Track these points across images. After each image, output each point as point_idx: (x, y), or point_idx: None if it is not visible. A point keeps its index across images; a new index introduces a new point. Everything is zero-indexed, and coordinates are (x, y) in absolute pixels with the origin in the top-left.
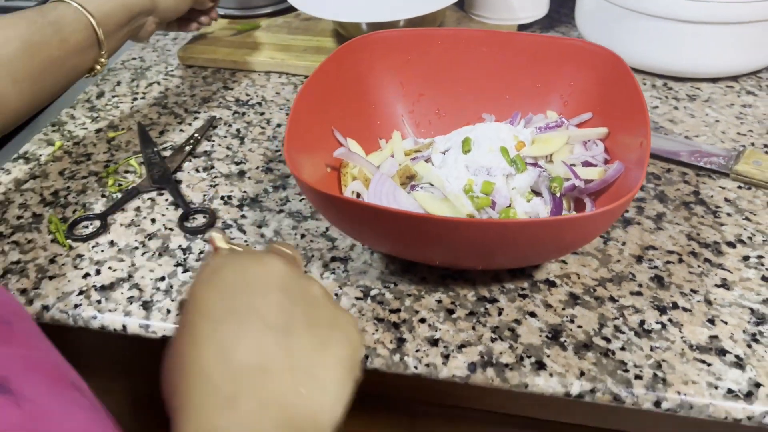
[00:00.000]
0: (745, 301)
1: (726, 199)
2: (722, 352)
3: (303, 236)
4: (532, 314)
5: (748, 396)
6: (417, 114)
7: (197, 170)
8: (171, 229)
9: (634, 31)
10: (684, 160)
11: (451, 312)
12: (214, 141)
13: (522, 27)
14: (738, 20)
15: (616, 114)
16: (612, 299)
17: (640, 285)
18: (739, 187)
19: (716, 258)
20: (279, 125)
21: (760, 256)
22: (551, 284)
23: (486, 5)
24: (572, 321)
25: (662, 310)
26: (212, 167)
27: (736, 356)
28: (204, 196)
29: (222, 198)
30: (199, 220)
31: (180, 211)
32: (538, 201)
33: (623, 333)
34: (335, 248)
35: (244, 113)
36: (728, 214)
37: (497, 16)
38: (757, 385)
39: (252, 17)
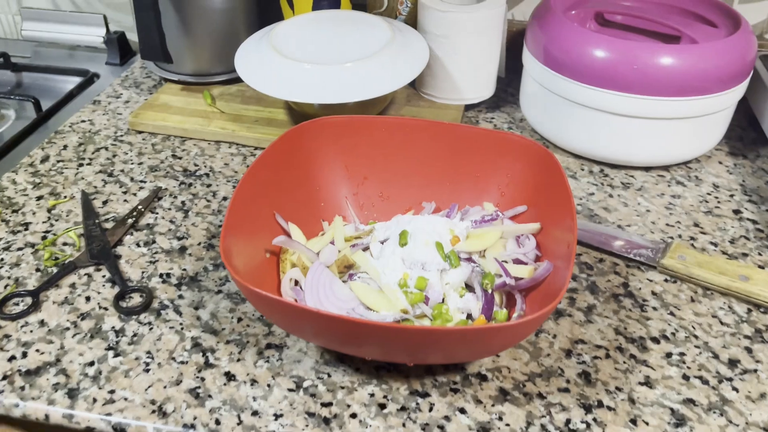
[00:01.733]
0: (666, 400)
1: (653, 293)
2: None
3: (239, 320)
4: (462, 410)
5: None
6: (361, 197)
7: (138, 245)
8: (105, 309)
9: (570, 118)
10: (615, 251)
11: (382, 407)
12: (158, 213)
13: (469, 107)
14: (668, 116)
15: (548, 208)
16: (540, 395)
17: (568, 381)
18: (666, 281)
19: (641, 354)
20: (225, 198)
21: (681, 353)
22: (482, 378)
23: (435, 85)
24: (500, 419)
25: (588, 409)
26: (153, 242)
27: None
28: (143, 273)
29: (161, 276)
30: (136, 299)
31: (117, 289)
32: (470, 296)
33: None
34: (271, 334)
35: (190, 184)
36: (654, 308)
37: (445, 96)
38: None
39: (205, 84)
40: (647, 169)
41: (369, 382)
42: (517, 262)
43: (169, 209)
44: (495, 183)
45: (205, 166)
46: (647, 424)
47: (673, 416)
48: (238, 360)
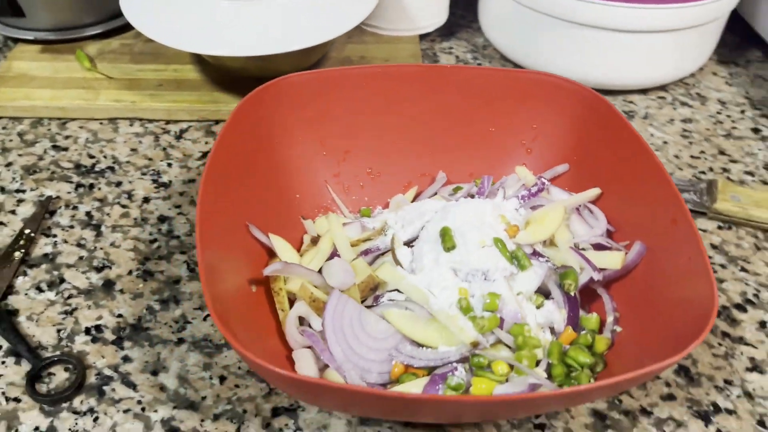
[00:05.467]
0: None
1: (712, 245)
2: None
3: (223, 379)
4: None
5: None
6: (344, 177)
7: (39, 288)
8: (16, 400)
9: (551, 37)
10: None
11: None
12: (56, 236)
13: (423, 37)
14: (663, 28)
15: (601, 166)
16: (644, 411)
17: (667, 384)
18: (719, 228)
19: (732, 329)
20: (147, 200)
21: None
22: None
23: (380, 14)
24: None
25: (705, 418)
26: (62, 280)
27: None
28: (59, 332)
29: (87, 331)
30: (59, 376)
31: (26, 366)
32: (549, 305)
33: None
34: (274, 393)
35: (92, 185)
36: (722, 266)
37: (394, 27)
38: None
39: (74, 41)
40: (644, 91)
41: None
42: (598, 247)
43: (71, 227)
44: (517, 139)
45: (105, 157)
46: None
47: None
48: None
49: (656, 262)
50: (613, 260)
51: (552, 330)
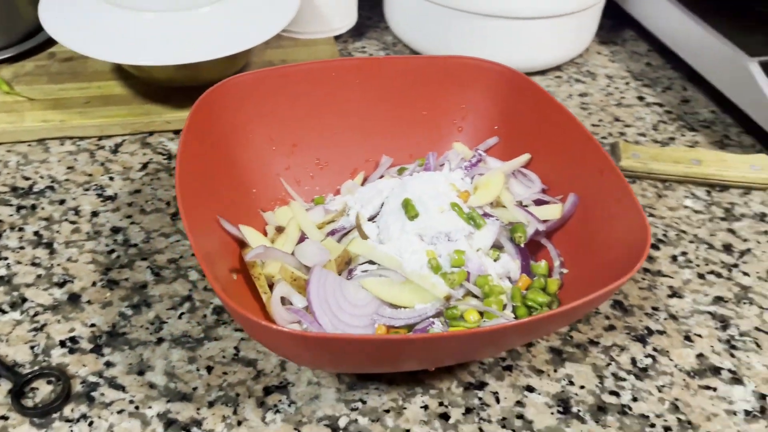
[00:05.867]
0: (700, 305)
1: None
2: (716, 371)
3: (210, 369)
4: (530, 389)
5: (763, 412)
6: (294, 170)
7: (2, 310)
8: (4, 417)
9: (455, 29)
10: None
11: (445, 417)
12: (6, 258)
13: (336, 38)
14: (553, 14)
15: (528, 135)
16: (593, 342)
17: (607, 317)
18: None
19: (651, 264)
20: (95, 213)
21: (683, 252)
22: (528, 344)
23: (296, 20)
24: (572, 383)
25: (642, 341)
26: (23, 299)
27: (729, 371)
28: (32, 348)
29: (62, 344)
30: (43, 389)
31: (7, 384)
32: (505, 257)
33: (625, 380)
34: (262, 374)
35: (33, 206)
36: None
37: (310, 30)
38: (763, 397)
39: None
40: (543, 72)
41: (413, 393)
42: (538, 202)
43: (21, 248)
44: (449, 119)
45: (42, 177)
46: (701, 336)
47: (715, 319)
48: (240, 423)
49: (590, 209)
50: (552, 212)
51: (509, 279)
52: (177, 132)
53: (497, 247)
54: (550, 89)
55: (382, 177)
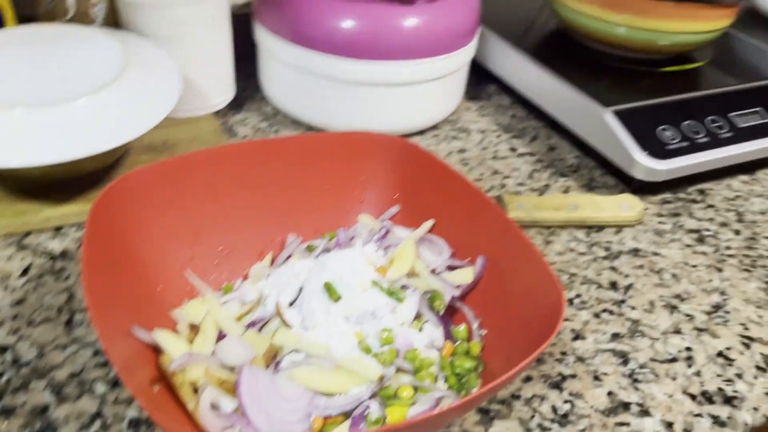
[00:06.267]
0: (600, 344)
1: None
2: (626, 406)
3: None
4: None
5: None
6: (199, 260)
7: None
8: None
9: (332, 97)
10: None
11: None
12: None
13: (216, 113)
14: (424, 79)
15: (429, 202)
16: (514, 396)
17: None
18: None
19: None
20: None
21: (577, 295)
22: None
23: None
24: None
25: (557, 387)
26: None
27: (637, 404)
28: None
29: None
30: None
31: None
32: (428, 326)
33: (550, 430)
34: None
35: None
36: None
37: (189, 107)
38: (670, 425)
39: None
40: (421, 132)
41: None
42: (450, 267)
43: None
44: (350, 192)
45: None
46: (607, 374)
47: (616, 356)
48: None
49: (499, 268)
50: (464, 276)
51: (435, 347)
52: (58, 229)
53: (418, 316)
54: (431, 148)
55: (290, 256)
